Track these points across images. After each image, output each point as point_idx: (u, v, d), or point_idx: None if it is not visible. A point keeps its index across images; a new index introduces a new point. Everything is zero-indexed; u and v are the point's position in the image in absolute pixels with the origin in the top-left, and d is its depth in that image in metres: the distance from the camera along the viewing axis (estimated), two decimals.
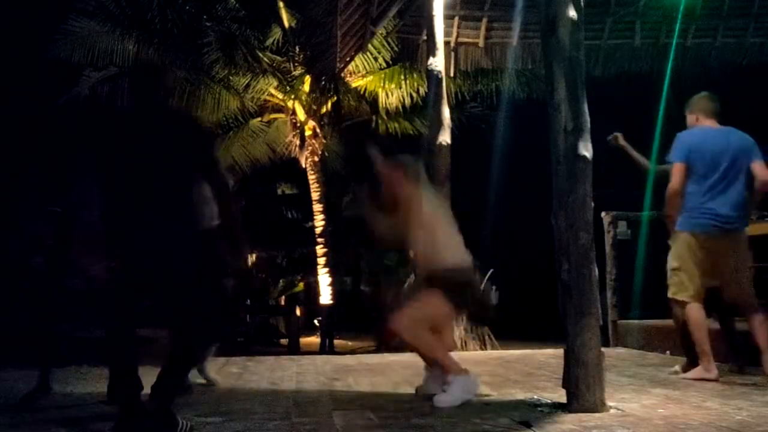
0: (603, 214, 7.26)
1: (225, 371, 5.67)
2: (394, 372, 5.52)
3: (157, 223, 3.33)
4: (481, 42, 8.71)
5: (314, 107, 15.13)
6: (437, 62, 7.56)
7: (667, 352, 6.17)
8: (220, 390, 4.72)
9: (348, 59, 9.18)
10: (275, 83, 14.81)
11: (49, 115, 13.93)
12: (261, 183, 18.48)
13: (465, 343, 8.20)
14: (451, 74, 9.02)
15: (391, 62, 13.48)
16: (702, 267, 4.77)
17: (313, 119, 15.16)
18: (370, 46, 10.88)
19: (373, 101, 14.68)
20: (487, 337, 8.57)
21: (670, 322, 5.29)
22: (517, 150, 16.06)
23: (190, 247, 3.42)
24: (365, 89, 14.54)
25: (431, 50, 7.61)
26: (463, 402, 3.86)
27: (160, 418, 3.20)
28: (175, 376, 3.39)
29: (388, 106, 14.79)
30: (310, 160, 15.23)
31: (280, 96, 15.23)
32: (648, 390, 4.31)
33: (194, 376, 4.59)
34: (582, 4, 3.83)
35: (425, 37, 8.05)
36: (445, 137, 7.45)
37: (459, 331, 8.10)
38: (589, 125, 3.74)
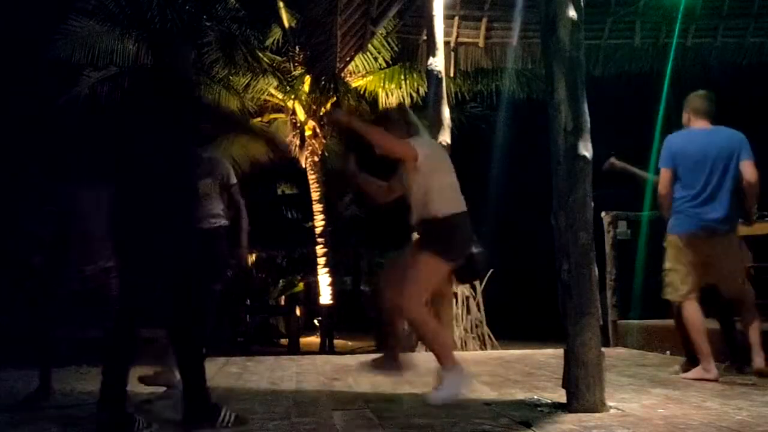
0: (603, 214, 7.26)
1: (225, 371, 5.67)
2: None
3: (165, 218, 3.35)
4: (481, 42, 8.72)
5: (314, 107, 15.13)
6: (437, 62, 7.55)
7: (667, 352, 6.17)
8: (220, 390, 4.72)
9: (348, 59, 9.17)
10: (275, 83, 14.80)
11: (49, 115, 13.94)
12: (261, 183, 18.45)
13: (465, 343, 8.20)
14: (451, 74, 9.02)
15: (391, 62, 13.45)
16: (694, 267, 4.76)
17: (313, 119, 15.16)
18: (370, 46, 10.87)
19: (373, 101, 14.65)
20: (487, 337, 8.58)
21: (670, 322, 5.29)
22: (517, 150, 16.07)
23: (190, 247, 3.43)
24: (365, 89, 14.53)
25: (431, 50, 7.61)
26: (456, 398, 3.81)
27: (204, 410, 3.41)
28: (194, 374, 3.46)
29: (388, 105, 14.77)
30: (310, 160, 15.23)
31: (280, 96, 15.23)
32: (648, 390, 4.31)
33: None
34: (582, 4, 3.83)
35: (425, 37, 8.04)
36: (445, 137, 7.44)
37: (459, 331, 8.10)
38: (589, 125, 3.74)
